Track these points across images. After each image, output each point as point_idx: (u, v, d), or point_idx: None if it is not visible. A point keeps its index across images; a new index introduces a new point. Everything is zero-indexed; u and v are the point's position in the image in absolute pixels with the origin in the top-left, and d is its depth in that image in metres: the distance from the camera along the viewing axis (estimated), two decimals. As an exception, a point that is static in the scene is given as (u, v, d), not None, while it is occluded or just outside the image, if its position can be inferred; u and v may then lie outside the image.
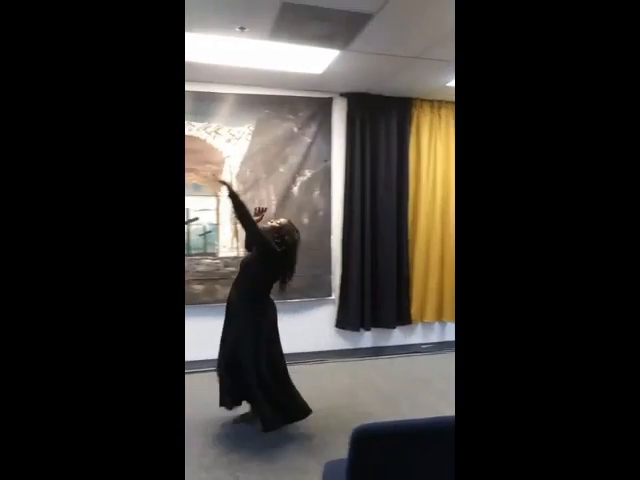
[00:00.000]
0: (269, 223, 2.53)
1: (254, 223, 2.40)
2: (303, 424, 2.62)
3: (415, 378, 3.43)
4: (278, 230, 2.48)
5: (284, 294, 2.60)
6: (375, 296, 3.94)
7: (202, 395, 2.72)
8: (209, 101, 3.57)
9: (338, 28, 2.53)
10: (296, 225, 2.62)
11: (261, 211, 2.65)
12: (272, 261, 2.43)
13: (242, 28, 2.54)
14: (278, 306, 2.59)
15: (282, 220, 2.56)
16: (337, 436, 2.45)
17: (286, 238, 2.46)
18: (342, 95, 3.81)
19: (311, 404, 2.59)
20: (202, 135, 3.61)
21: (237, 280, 2.54)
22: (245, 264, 2.53)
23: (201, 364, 3.16)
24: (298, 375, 2.71)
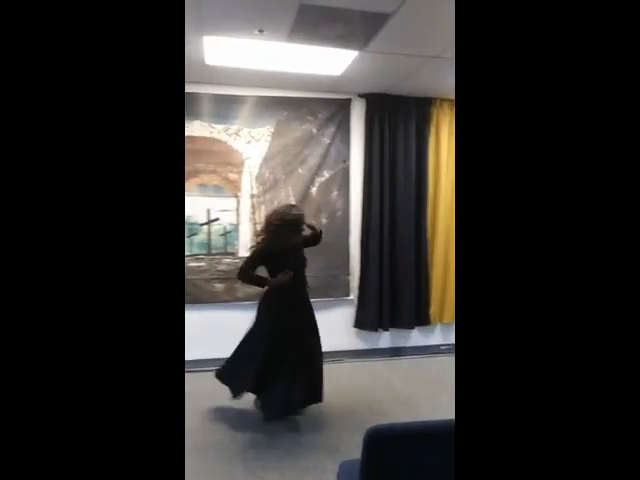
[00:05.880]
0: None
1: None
2: (320, 423, 2.64)
3: (433, 379, 3.41)
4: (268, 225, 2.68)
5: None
6: (394, 296, 3.93)
7: (220, 391, 2.77)
8: (229, 103, 3.62)
9: (356, 29, 2.54)
10: (315, 225, 2.71)
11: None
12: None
13: (261, 31, 2.58)
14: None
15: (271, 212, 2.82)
16: (353, 436, 2.45)
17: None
18: (361, 96, 3.82)
19: (329, 403, 2.60)
20: (223, 137, 3.67)
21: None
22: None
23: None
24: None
